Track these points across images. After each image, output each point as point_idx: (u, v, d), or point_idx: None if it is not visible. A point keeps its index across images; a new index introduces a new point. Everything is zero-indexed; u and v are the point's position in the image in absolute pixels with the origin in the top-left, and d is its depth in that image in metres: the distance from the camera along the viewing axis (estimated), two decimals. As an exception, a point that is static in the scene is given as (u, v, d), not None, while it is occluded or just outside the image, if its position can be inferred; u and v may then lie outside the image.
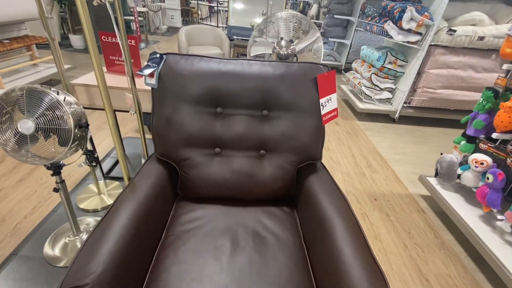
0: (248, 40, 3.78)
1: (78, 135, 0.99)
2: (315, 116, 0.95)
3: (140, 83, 1.43)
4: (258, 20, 4.74)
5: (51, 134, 0.98)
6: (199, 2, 10.08)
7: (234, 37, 3.76)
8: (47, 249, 1.24)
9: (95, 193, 1.55)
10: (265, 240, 0.84)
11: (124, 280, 0.63)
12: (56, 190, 1.10)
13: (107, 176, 1.70)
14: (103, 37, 1.43)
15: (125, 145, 2.01)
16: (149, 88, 1.36)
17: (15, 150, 0.98)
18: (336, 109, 1.00)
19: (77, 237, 1.28)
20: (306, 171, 1.01)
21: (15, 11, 2.49)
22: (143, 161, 1.40)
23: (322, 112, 0.95)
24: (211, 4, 7.86)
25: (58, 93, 0.98)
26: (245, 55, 3.76)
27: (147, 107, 1.43)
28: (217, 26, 5.56)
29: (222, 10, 6.82)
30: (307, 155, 0.97)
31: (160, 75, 0.92)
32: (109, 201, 1.51)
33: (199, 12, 9.84)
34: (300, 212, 0.98)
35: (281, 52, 1.15)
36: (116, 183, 1.64)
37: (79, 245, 1.26)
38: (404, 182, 1.96)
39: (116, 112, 1.75)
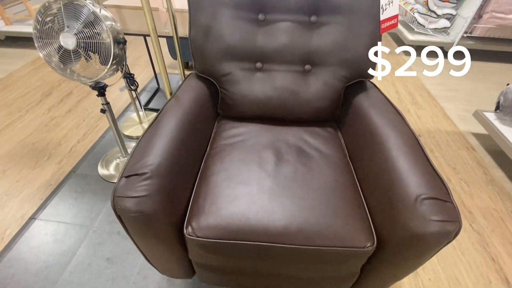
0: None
1: (117, 53, 0.97)
2: (372, 21, 0.82)
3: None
4: None
5: (92, 52, 0.97)
6: None
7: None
8: (101, 169, 1.36)
9: (136, 122, 1.62)
10: (309, 154, 0.82)
11: (177, 175, 0.66)
12: (103, 111, 1.15)
13: (145, 108, 1.75)
14: (128, -50, 1.30)
15: (159, 79, 2.02)
16: (181, 7, 1.27)
17: (61, 68, 1.00)
18: (397, 16, 0.85)
19: (125, 158, 1.38)
20: (355, 89, 0.92)
21: None
22: (180, 82, 1.38)
23: (382, 17, 0.81)
24: None
25: (94, 5, 0.94)
26: None
27: (180, 30, 1.35)
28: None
29: None
30: (359, 70, 0.87)
31: (196, -24, 0.82)
32: (150, 130, 1.58)
33: None
34: (345, 132, 0.94)
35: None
36: (155, 114, 1.68)
37: (128, 165, 1.36)
38: (453, 120, 1.79)
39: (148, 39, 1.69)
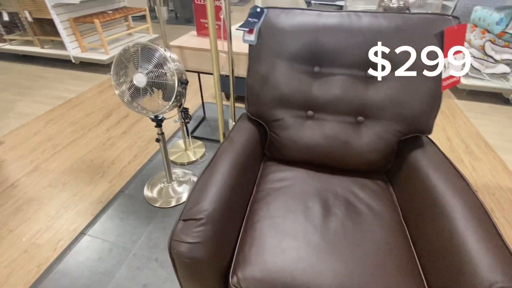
0: (327, 4, 3.47)
1: (179, 91, 1.07)
2: (433, 79, 0.80)
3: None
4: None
5: (158, 89, 1.08)
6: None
7: (312, 1, 3.49)
8: (146, 191, 1.45)
9: (182, 149, 1.72)
10: (358, 210, 0.79)
11: (228, 220, 0.67)
12: (158, 140, 1.25)
13: (192, 136, 1.86)
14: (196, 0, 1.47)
15: (206, 109, 2.14)
16: (241, 50, 1.37)
17: (129, 102, 1.12)
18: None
19: (169, 184, 1.45)
20: (410, 144, 0.89)
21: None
22: (230, 121, 1.45)
23: (444, 75, 0.80)
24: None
25: (165, 50, 1.06)
26: (323, 22, 3.48)
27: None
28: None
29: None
30: (415, 126, 0.84)
31: (259, 30, 0.89)
32: (193, 157, 1.65)
33: (271, -21, 9.42)
34: (397, 188, 0.89)
35: (391, 6, 0.99)
36: (200, 142, 1.78)
37: (171, 191, 1.43)
38: (517, 176, 1.60)
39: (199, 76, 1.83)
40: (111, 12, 2.97)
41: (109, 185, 1.49)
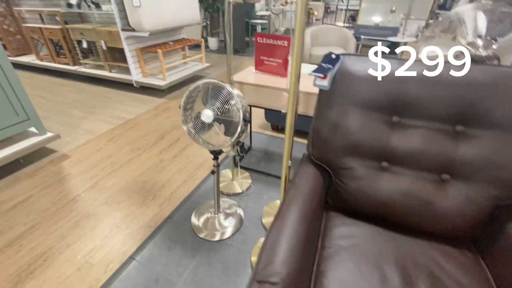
0: (378, 39, 3.43)
1: (243, 128, 1.08)
2: (543, 141, 0.69)
3: (283, 82, 1.46)
4: (386, 18, 4.23)
5: (221, 123, 1.11)
6: (315, 2, 10.01)
7: (362, 36, 3.48)
8: (193, 219, 1.44)
9: (229, 179, 1.72)
10: (446, 286, 0.67)
11: (300, 282, 0.61)
12: (213, 172, 1.26)
13: (241, 166, 1.86)
14: (258, 38, 1.54)
15: (252, 139, 2.16)
16: (302, 89, 1.37)
17: (194, 135, 1.16)
18: None
19: (216, 215, 1.43)
20: (509, 212, 0.76)
21: (183, 18, 3.08)
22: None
23: (557, 138, 0.68)
24: (332, 3, 7.66)
25: (231, 87, 1.09)
26: (373, 57, 3.43)
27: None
28: (343, 26, 5.34)
29: (342, 9, 6.53)
30: (518, 192, 0.72)
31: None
32: (240, 189, 1.64)
33: (316, 12, 9.78)
34: (492, 262, 0.75)
35: (478, 54, 0.92)
36: (246, 173, 1.77)
37: (217, 223, 1.40)
38: None
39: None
40: (172, 43, 3.27)
41: (159, 209, 1.53)
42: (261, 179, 1.74)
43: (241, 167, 1.84)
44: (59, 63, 3.69)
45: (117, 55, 3.34)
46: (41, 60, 3.83)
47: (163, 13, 2.79)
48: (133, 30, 2.72)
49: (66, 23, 3.40)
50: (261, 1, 6.67)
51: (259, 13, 6.49)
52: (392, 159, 0.83)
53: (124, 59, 3.25)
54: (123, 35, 2.81)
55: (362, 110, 0.84)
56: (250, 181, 1.71)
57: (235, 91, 1.08)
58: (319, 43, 3.64)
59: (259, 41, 1.54)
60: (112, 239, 1.35)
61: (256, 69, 1.65)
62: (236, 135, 1.06)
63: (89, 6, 3.18)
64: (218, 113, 1.07)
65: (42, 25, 3.50)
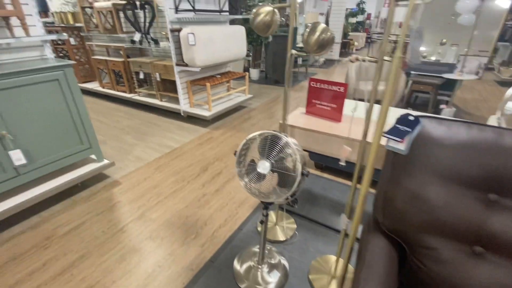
0: (431, 75, 3.24)
1: (300, 181, 1.03)
2: None
3: (328, 127, 1.40)
4: (435, 50, 4.02)
5: (276, 173, 1.07)
6: (356, 33, 10.04)
7: (412, 72, 3.33)
8: (236, 265, 1.38)
9: (272, 222, 1.64)
10: None
11: None
12: (262, 222, 1.20)
13: (284, 210, 1.79)
14: (312, 83, 1.53)
15: (294, 177, 2.09)
16: (357, 137, 1.30)
17: (246, 183, 1.13)
18: None
19: (260, 266, 1.35)
20: None
21: (232, 54, 3.26)
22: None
23: None
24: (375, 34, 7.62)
25: (289, 139, 1.06)
26: (426, 93, 3.23)
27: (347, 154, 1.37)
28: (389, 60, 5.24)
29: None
30: None
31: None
32: (283, 236, 1.55)
33: (356, 43, 9.77)
34: None
35: None
36: (292, 219, 1.68)
37: (259, 276, 1.32)
38: None
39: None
40: (219, 76, 3.45)
41: (200, 250, 1.49)
42: (306, 226, 1.64)
43: (286, 211, 1.76)
44: (118, 90, 4.09)
45: (168, 85, 3.60)
46: (103, 87, 4.29)
47: (214, 50, 2.98)
48: (186, 65, 2.92)
49: (128, 56, 3.81)
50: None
51: (300, 45, 6.67)
52: (488, 244, 0.70)
53: (174, 90, 3.49)
54: (176, 69, 3.04)
55: (449, 183, 0.74)
56: (295, 226, 1.62)
57: (293, 142, 1.05)
58: (364, 77, 3.56)
59: (312, 85, 1.53)
60: (154, 280, 1.33)
61: (307, 111, 1.62)
62: (293, 189, 1.01)
63: (149, 42, 3.54)
64: (275, 164, 1.04)
65: (107, 58, 3.96)
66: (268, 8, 1.10)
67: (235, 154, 1.15)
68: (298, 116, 1.59)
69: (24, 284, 1.31)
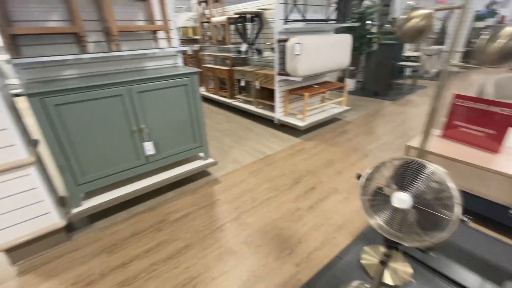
0: None
1: (454, 228, 0.80)
2: None
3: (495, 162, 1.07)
4: None
5: (417, 212, 0.87)
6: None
7: None
8: (334, 300, 1.22)
9: (374, 255, 1.41)
10: None
11: None
12: (382, 263, 1.02)
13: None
14: (458, 100, 1.23)
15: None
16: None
17: (370, 213, 0.97)
18: None
19: (367, 310, 1.16)
20: None
21: (335, 64, 3.11)
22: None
23: None
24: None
25: (440, 169, 0.85)
26: None
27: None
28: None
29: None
30: None
31: None
32: (391, 279, 1.29)
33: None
34: None
35: None
36: (406, 262, 1.40)
37: (367, 321, 1.12)
38: None
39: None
40: (317, 86, 3.34)
41: (295, 270, 1.40)
42: (427, 277, 1.32)
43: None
44: (220, 95, 4.51)
45: (265, 93, 3.73)
46: (208, 91, 4.82)
47: (318, 60, 2.89)
48: (287, 74, 2.94)
49: (233, 65, 4.15)
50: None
51: (407, 53, 5.89)
52: None
53: (270, 98, 3.58)
54: (277, 78, 3.09)
55: None
56: (411, 271, 1.33)
57: (446, 174, 0.83)
58: (506, 95, 2.80)
59: (458, 103, 1.23)
60: (249, 288, 1.32)
61: (444, 134, 1.33)
62: (443, 235, 0.79)
63: (252, 52, 3.76)
64: (417, 199, 0.85)
65: (215, 66, 4.43)
66: (424, 11, 0.92)
67: (358, 178, 1.01)
68: (434, 142, 1.32)
69: (142, 260, 1.51)
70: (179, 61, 2.20)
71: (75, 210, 1.69)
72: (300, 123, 3.07)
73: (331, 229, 1.68)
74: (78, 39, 1.63)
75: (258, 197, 2.02)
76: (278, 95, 3.20)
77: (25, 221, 1.48)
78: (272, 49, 3.34)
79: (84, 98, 1.53)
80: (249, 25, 3.74)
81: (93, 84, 1.53)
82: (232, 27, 4.10)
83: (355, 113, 3.89)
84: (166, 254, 1.54)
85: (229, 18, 3.79)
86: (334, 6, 3.26)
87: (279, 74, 3.06)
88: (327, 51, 2.96)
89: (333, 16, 3.33)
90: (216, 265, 1.46)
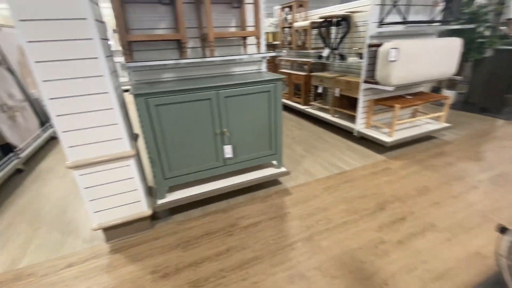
0: None
1: None
2: None
3: None
4: None
5: None
6: None
7: None
8: None
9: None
10: None
11: None
12: None
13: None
14: None
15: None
16: None
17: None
18: None
19: None
20: None
21: (437, 72, 2.64)
22: None
23: None
24: None
25: None
26: None
27: None
28: None
29: None
30: None
31: None
32: None
33: None
34: None
35: None
36: None
37: None
38: None
39: None
40: (410, 97, 2.90)
41: (381, 319, 1.18)
42: None
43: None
44: (293, 101, 4.41)
45: (345, 102, 3.45)
46: (281, 97, 4.78)
47: (416, 68, 2.49)
48: (376, 83, 2.63)
49: (310, 71, 4.00)
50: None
51: None
52: None
53: (350, 107, 3.29)
54: (363, 86, 2.80)
55: None
56: None
57: None
58: None
59: None
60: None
61: None
62: None
63: (334, 58, 3.52)
64: None
65: (291, 71, 4.35)
66: None
67: (501, 231, 0.75)
68: None
69: (212, 263, 1.52)
70: (263, 66, 2.18)
71: (160, 202, 1.83)
72: (386, 138, 2.71)
73: (428, 276, 1.36)
74: (180, 45, 1.76)
75: (334, 218, 1.83)
76: (361, 105, 2.90)
77: (121, 205, 1.66)
78: (359, 55, 3.06)
79: (179, 100, 1.63)
80: (333, 29, 3.53)
81: (189, 87, 1.62)
82: (314, 31, 3.95)
83: (457, 131, 3.24)
84: (235, 261, 1.51)
85: (312, 23, 3.66)
86: (441, 5, 2.77)
87: (366, 81, 2.76)
88: (429, 58, 2.52)
89: (439, 17, 2.83)
90: (286, 287, 1.35)
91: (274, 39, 4.92)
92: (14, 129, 2.87)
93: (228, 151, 1.92)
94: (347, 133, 3.28)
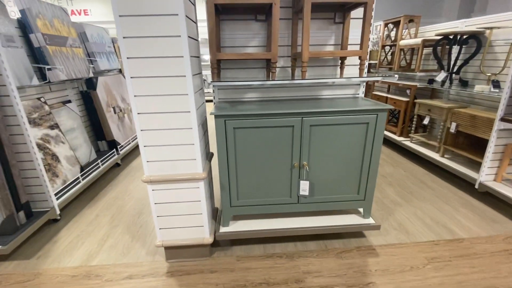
0: None
1: None
2: None
3: None
4: None
5: None
6: None
7: None
8: None
9: None
10: None
11: None
12: None
13: None
14: None
15: None
16: None
17: None
18: None
19: None
20: None
21: None
22: None
23: None
24: None
25: None
26: None
27: None
28: None
29: None
30: None
31: None
32: None
33: None
34: None
35: None
36: None
37: None
38: None
39: None
40: None
41: None
42: None
43: None
44: (386, 129, 3.77)
45: (463, 140, 2.67)
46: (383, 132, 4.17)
47: None
48: (525, 123, 1.87)
49: (414, 97, 3.32)
50: None
51: None
52: None
53: (470, 148, 2.51)
54: (498, 125, 2.06)
55: None
56: None
57: None
58: None
59: None
60: None
61: None
62: None
63: (452, 84, 2.80)
64: None
65: (387, 95, 3.73)
66: None
67: None
68: None
69: (269, 326, 1.23)
70: (361, 91, 1.82)
71: (223, 230, 1.68)
72: (531, 203, 1.89)
73: None
74: (268, 65, 1.60)
75: (444, 312, 1.28)
76: (492, 149, 2.14)
77: (184, 227, 1.58)
78: (493, 82, 2.31)
79: (258, 125, 1.46)
80: (454, 49, 2.83)
81: (271, 111, 1.43)
82: (426, 51, 3.29)
83: None
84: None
85: (424, 40, 3.03)
86: None
87: (504, 119, 2.02)
88: None
89: None
90: None
91: (371, 58, 4.39)
92: (121, 128, 3.33)
93: (304, 187, 1.63)
94: (462, 182, 2.50)
